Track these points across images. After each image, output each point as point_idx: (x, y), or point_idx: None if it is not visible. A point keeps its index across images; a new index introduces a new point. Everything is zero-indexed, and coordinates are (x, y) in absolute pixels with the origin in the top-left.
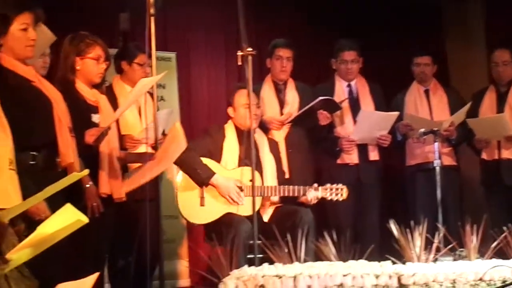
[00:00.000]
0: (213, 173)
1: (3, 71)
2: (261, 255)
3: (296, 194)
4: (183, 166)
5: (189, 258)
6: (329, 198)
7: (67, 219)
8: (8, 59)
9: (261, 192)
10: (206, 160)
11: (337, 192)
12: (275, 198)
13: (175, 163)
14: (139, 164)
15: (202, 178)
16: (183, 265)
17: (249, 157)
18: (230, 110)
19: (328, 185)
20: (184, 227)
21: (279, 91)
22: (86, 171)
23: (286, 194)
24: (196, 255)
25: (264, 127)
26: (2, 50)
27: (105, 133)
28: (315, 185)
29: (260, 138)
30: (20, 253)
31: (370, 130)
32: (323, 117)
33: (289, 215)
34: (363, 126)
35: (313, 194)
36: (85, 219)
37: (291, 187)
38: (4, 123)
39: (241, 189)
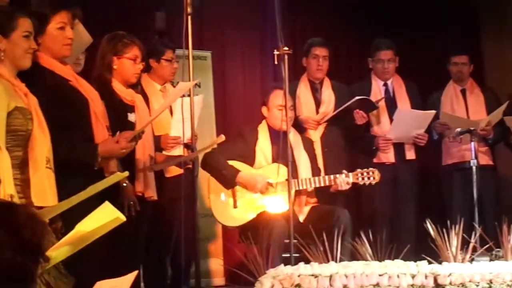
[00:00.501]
0: (238, 171)
1: (41, 70)
2: (297, 254)
3: (327, 183)
4: (210, 170)
5: (223, 257)
6: (361, 183)
7: (105, 217)
8: (46, 58)
9: (293, 186)
10: (235, 163)
11: (369, 176)
12: (309, 193)
13: (202, 167)
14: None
15: (227, 178)
16: (217, 264)
17: (283, 158)
18: (264, 110)
19: (359, 170)
20: (219, 225)
21: (315, 90)
22: (126, 173)
23: (317, 185)
24: (231, 253)
25: (300, 126)
26: (40, 49)
27: (139, 136)
28: (345, 171)
29: (295, 137)
30: (59, 251)
31: (407, 129)
32: (359, 117)
33: (326, 215)
34: (399, 125)
35: (342, 179)
36: (123, 218)
37: (321, 177)
38: (43, 122)
39: (270, 185)
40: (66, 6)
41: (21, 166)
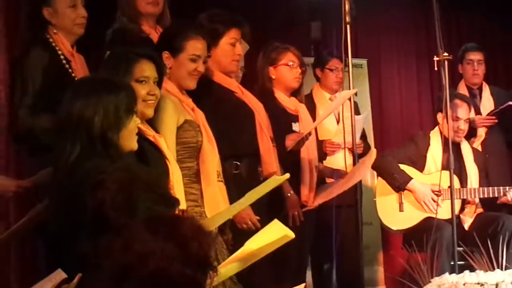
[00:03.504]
0: (410, 178)
1: (208, 83)
2: (462, 262)
3: (496, 195)
4: (380, 172)
5: (384, 265)
6: None
7: (274, 235)
8: (213, 71)
9: (460, 195)
10: (405, 167)
11: None
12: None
13: (373, 168)
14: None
15: (398, 183)
16: (378, 272)
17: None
18: (439, 116)
19: None
20: (379, 234)
21: (474, 96)
22: (287, 175)
23: (485, 196)
24: (392, 261)
25: (471, 128)
26: (209, 62)
27: (306, 138)
28: None
29: (466, 148)
30: (228, 267)
31: None
32: None
33: (491, 221)
34: None
35: None
36: (291, 235)
37: (490, 188)
38: (211, 136)
39: (439, 193)
40: (238, 24)
41: (196, 176)
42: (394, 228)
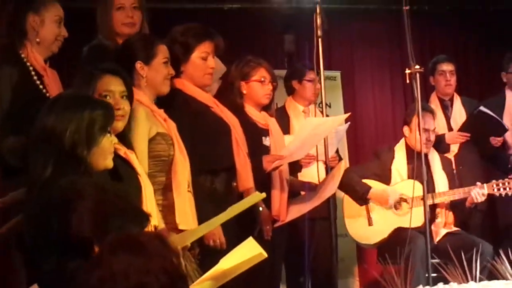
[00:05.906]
0: (370, 187)
1: (184, 97)
2: (434, 274)
3: (462, 195)
4: (343, 187)
5: (359, 277)
6: (497, 194)
7: (247, 253)
8: (188, 85)
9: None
10: (370, 182)
11: (505, 186)
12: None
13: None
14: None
15: (360, 194)
16: (353, 284)
17: (419, 176)
18: (405, 129)
19: (494, 181)
20: (354, 246)
21: (445, 107)
22: (264, 194)
23: (452, 198)
24: (367, 274)
25: (444, 145)
26: (182, 77)
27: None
28: (478, 183)
29: (434, 157)
30: (202, 285)
31: None
32: (494, 141)
33: (468, 246)
34: None
35: (477, 191)
36: (265, 254)
37: (456, 189)
38: (182, 147)
39: (404, 200)
40: (210, 36)
41: (164, 192)
42: (367, 243)
